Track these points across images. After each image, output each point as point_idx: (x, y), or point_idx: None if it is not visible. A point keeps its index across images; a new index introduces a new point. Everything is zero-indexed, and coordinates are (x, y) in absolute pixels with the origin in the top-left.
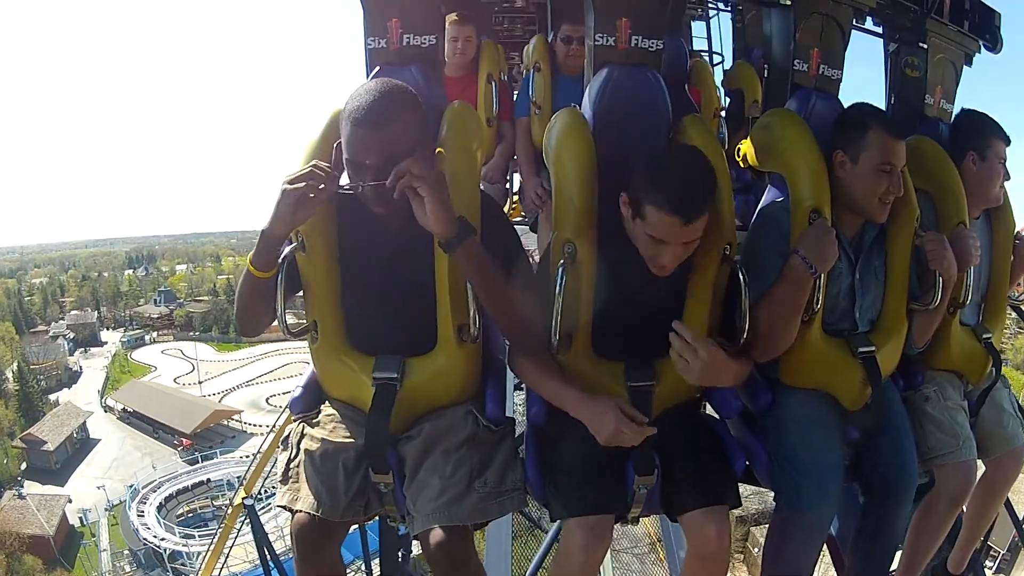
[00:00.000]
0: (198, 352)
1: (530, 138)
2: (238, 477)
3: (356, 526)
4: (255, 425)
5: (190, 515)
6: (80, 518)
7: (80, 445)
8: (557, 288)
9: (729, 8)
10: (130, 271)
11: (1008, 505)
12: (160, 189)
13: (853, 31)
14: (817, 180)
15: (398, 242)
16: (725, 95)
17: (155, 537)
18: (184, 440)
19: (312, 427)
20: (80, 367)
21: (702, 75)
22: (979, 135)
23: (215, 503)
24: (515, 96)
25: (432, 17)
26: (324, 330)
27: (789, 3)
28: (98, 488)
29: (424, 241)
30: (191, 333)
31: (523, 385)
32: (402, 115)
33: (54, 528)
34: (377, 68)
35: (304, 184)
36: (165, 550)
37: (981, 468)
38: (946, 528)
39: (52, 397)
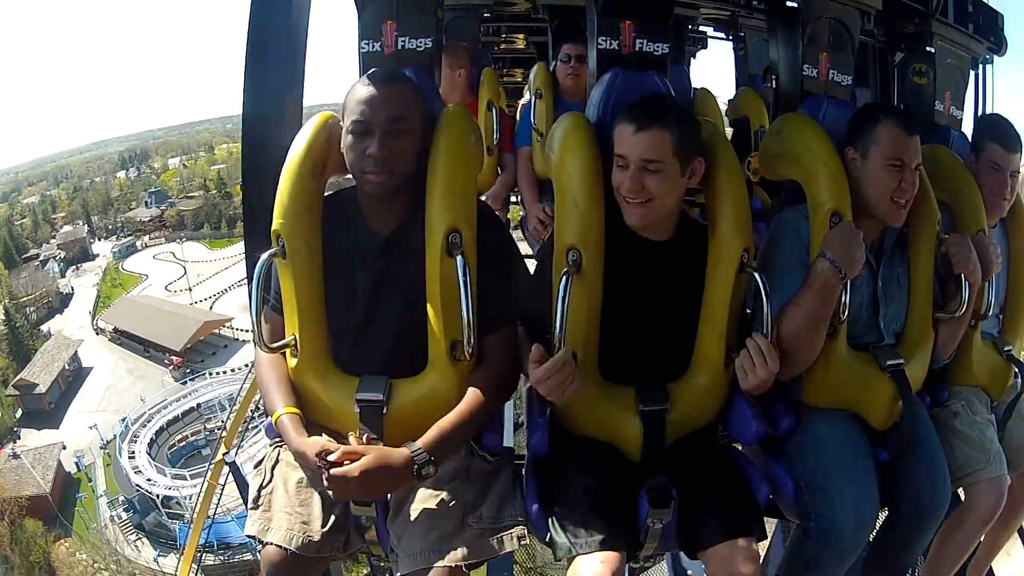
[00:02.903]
0: (189, 254)
1: (532, 166)
2: (228, 397)
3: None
4: (246, 331)
5: (183, 444)
6: (76, 463)
7: (72, 378)
8: (560, 302)
9: (730, 37)
10: (122, 173)
11: None
12: (151, 81)
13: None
14: (836, 181)
15: (389, 248)
16: (729, 124)
17: (147, 481)
18: (175, 359)
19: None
20: (72, 288)
21: (707, 104)
22: (977, 136)
23: (207, 427)
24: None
25: (429, 20)
26: (304, 347)
27: (796, 4)
28: (91, 428)
29: (418, 247)
30: (182, 233)
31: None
32: (409, 84)
33: (50, 484)
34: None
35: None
36: (157, 496)
37: None
38: (973, 546)
39: (44, 328)
